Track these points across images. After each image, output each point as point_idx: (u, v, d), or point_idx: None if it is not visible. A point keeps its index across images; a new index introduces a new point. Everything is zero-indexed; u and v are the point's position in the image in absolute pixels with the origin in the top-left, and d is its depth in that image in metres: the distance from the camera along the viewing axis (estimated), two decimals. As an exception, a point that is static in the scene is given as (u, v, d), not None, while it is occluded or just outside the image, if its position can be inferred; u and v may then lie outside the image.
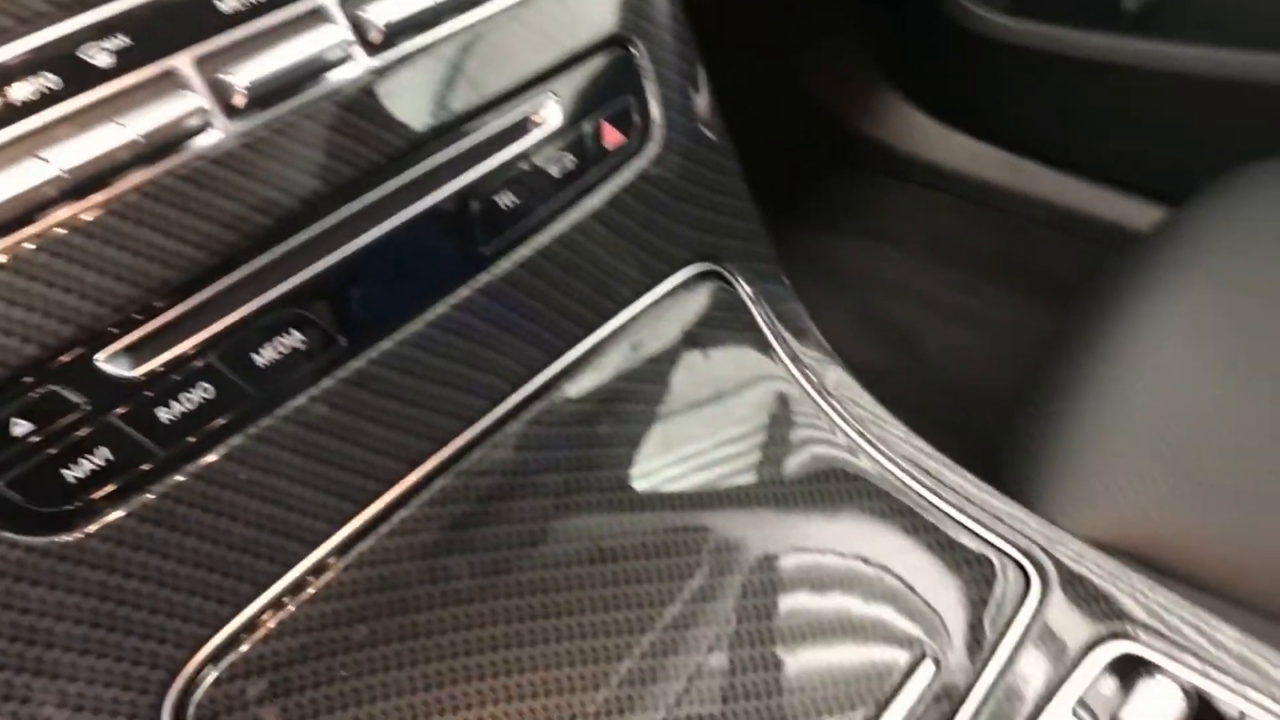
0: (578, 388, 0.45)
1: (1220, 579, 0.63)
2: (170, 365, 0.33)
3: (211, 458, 0.35)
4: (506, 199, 0.42)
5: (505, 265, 0.42)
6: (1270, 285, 0.81)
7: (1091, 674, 0.41)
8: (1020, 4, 1.25)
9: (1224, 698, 0.41)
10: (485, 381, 0.42)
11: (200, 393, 0.34)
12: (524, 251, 0.43)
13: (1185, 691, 0.41)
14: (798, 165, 1.41)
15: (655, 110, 0.47)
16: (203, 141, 0.34)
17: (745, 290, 0.52)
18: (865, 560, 0.45)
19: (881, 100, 1.40)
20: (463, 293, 0.41)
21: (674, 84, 0.48)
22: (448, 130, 0.40)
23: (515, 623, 0.40)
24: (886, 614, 0.43)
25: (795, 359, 0.51)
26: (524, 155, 0.43)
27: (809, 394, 0.50)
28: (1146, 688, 0.41)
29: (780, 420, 0.49)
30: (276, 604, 0.37)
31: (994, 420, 0.83)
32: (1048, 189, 1.31)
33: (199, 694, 0.35)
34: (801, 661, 0.41)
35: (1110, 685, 0.41)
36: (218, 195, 0.34)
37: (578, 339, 0.45)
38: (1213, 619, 0.44)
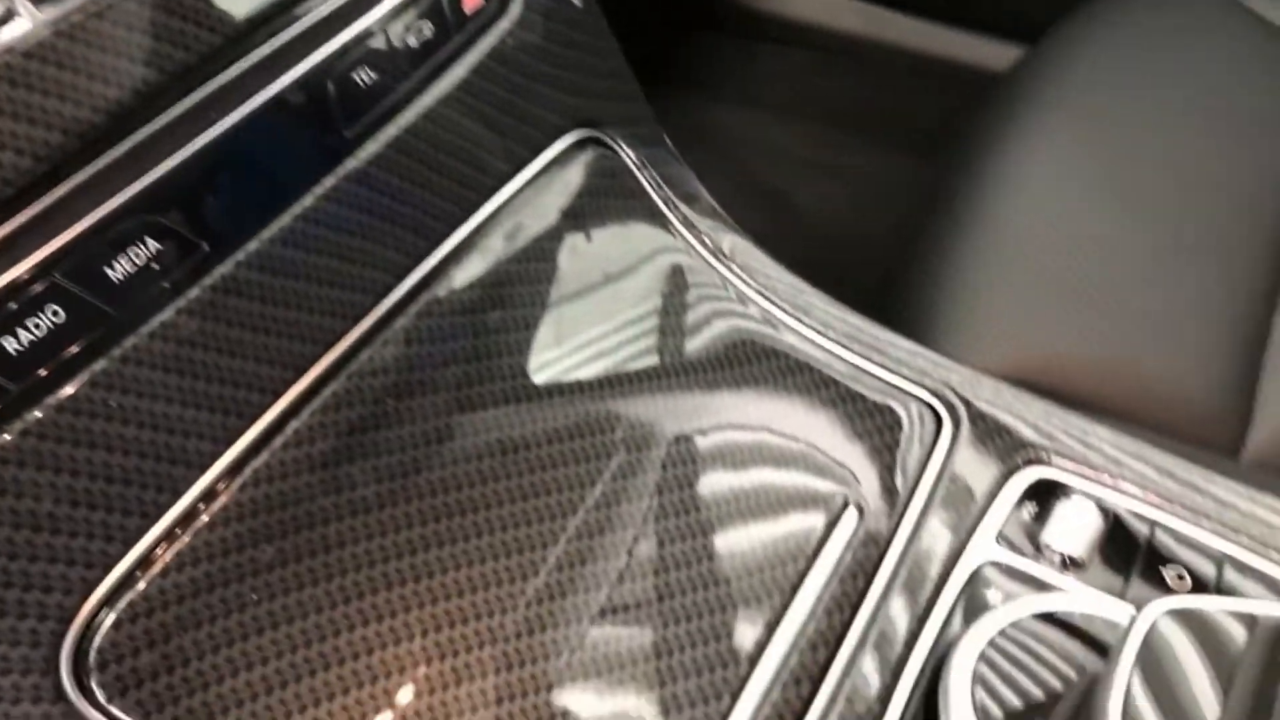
0: (465, 274, 0.43)
1: (1112, 398, 0.64)
2: (7, 292, 0.30)
3: (72, 388, 0.32)
4: (364, 76, 0.39)
5: (371, 148, 0.39)
6: (1129, 113, 0.83)
7: (1009, 503, 0.42)
8: None
9: (1138, 509, 0.42)
10: (365, 275, 0.39)
11: (49, 317, 0.31)
12: (390, 132, 0.40)
13: (1101, 509, 0.41)
14: (653, 29, 1.37)
15: (514, -32, 0.44)
16: (10, 34, 0.30)
17: (629, 155, 0.50)
18: (780, 419, 0.45)
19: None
20: (329, 182, 0.38)
21: (530, -62, 0.44)
22: (292, 3, 0.36)
23: (430, 524, 0.38)
24: (806, 469, 0.43)
25: (687, 223, 0.50)
26: (378, 26, 0.39)
27: (705, 259, 0.49)
28: (1063, 509, 0.41)
29: (678, 288, 0.48)
30: (170, 535, 0.34)
31: (875, 272, 0.83)
32: (904, 35, 1.30)
33: (98, 639, 0.32)
34: (729, 526, 0.40)
35: (1028, 512, 0.41)
36: (35, 92, 0.30)
37: (459, 221, 0.43)
38: (1121, 437, 0.45)
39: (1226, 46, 0.86)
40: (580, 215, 0.47)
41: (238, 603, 0.34)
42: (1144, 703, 0.31)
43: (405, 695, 0.35)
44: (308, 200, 0.37)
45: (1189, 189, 0.74)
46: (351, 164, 0.39)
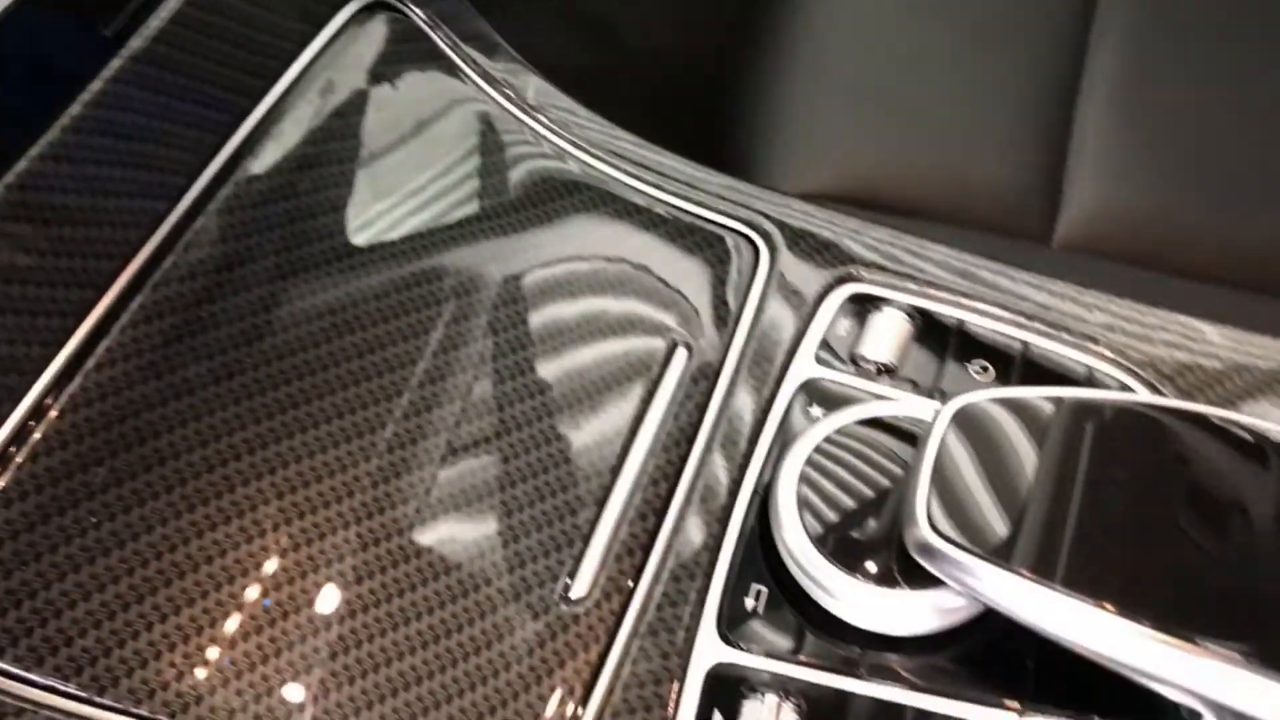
0: (263, 163, 0.42)
1: (929, 202, 0.67)
2: None
3: None
4: (115, -34, 0.37)
5: (136, 44, 0.37)
6: None
7: (827, 319, 0.44)
8: None
9: (942, 310, 0.44)
10: (155, 180, 0.38)
11: None
12: (153, 24, 0.38)
13: (909, 316, 0.44)
14: None
15: None
16: None
17: (420, 16, 0.48)
18: (604, 266, 0.45)
19: None
20: (96, 87, 0.36)
21: None
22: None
23: (264, 421, 0.38)
24: (635, 313, 0.44)
25: (488, 78, 0.49)
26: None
27: (509, 111, 0.48)
28: (875, 320, 0.44)
29: (485, 145, 0.47)
30: None
31: (706, 98, 0.83)
32: None
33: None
34: (565, 380, 0.42)
35: (845, 325, 0.44)
36: None
37: (247, 110, 0.41)
38: (926, 243, 0.47)
39: None
40: (378, 84, 0.46)
41: (77, 529, 0.34)
42: (953, 488, 0.34)
43: (268, 565, 0.35)
44: (76, 110, 0.36)
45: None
46: (117, 64, 0.37)
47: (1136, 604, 0.31)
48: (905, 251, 0.46)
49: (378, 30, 0.46)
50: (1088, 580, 0.32)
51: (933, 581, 0.34)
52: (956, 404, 0.36)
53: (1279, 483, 0.34)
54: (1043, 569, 0.32)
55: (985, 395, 0.36)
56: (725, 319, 0.44)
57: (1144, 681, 0.32)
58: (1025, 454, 0.35)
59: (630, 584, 0.38)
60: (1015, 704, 0.35)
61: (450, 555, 0.37)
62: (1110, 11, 0.74)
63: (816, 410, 0.41)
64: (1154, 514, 0.33)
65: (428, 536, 0.37)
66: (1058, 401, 0.36)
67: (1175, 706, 0.32)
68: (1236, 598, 0.32)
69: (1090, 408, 0.36)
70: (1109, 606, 0.31)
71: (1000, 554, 0.32)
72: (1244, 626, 0.31)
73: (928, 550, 0.33)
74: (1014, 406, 0.36)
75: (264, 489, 0.37)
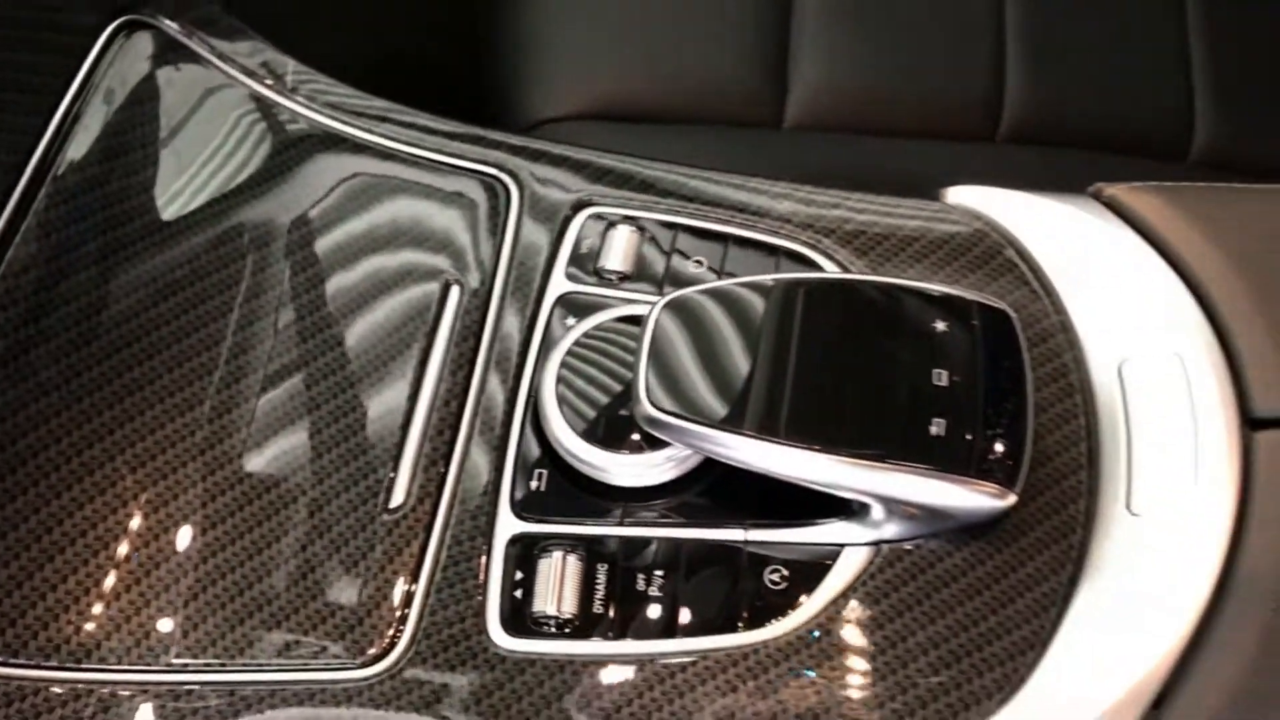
0: (66, 164, 0.48)
1: (674, 107, 0.76)
2: None
3: None
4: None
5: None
6: None
7: (571, 241, 0.53)
8: None
9: (663, 218, 0.53)
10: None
11: None
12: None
13: (637, 227, 0.53)
14: None
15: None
16: None
17: (170, 26, 0.54)
18: (381, 219, 0.53)
19: None
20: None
21: None
22: None
23: (115, 381, 0.45)
24: (408, 261, 0.52)
25: (245, 70, 0.55)
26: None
27: (268, 95, 0.55)
28: (612, 235, 0.53)
29: (252, 126, 0.54)
30: None
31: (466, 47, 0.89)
32: None
33: None
34: (361, 326, 0.49)
35: (587, 244, 0.52)
36: None
37: (28, 147, 0.47)
38: (649, 162, 0.56)
39: None
40: (149, 83, 0.52)
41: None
42: (668, 368, 0.44)
43: (134, 523, 0.43)
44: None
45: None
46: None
47: (805, 435, 0.42)
48: (633, 170, 0.55)
49: (139, 48, 0.52)
50: (770, 424, 0.42)
51: (664, 442, 0.44)
52: (663, 301, 0.45)
53: (901, 326, 0.44)
54: (737, 421, 0.42)
55: (687, 291, 0.46)
56: (487, 254, 0.53)
57: (820, 488, 0.43)
58: (720, 332, 0.45)
59: (436, 489, 0.47)
60: (740, 523, 0.45)
61: (287, 488, 0.46)
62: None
63: (570, 320, 0.51)
64: (817, 365, 0.44)
65: (267, 474, 0.46)
66: (746, 285, 0.46)
67: (850, 501, 0.44)
68: (872, 418, 0.43)
69: (763, 287, 0.46)
70: (789, 440, 0.42)
71: (704, 414, 0.43)
72: (881, 439, 0.42)
73: (650, 420, 0.43)
74: (711, 294, 0.46)
75: (117, 445, 0.44)
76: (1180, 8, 0.84)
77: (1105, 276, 0.49)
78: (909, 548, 0.44)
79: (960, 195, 0.54)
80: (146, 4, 0.53)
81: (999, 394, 0.43)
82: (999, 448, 0.42)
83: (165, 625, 0.42)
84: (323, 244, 0.51)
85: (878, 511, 0.44)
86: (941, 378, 0.43)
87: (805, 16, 0.79)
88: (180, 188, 0.50)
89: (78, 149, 0.48)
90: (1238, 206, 0.51)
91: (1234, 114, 0.82)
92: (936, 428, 0.42)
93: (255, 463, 0.46)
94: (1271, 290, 0.46)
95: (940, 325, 0.44)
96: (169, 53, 0.53)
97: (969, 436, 0.42)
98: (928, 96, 0.78)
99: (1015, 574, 0.44)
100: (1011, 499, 0.42)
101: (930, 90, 0.78)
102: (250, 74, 0.55)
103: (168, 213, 0.49)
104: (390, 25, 1.17)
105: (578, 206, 0.54)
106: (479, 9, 0.85)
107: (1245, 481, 0.41)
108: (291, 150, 0.53)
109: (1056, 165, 0.77)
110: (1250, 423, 0.43)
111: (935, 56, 0.79)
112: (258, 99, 0.54)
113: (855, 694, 0.42)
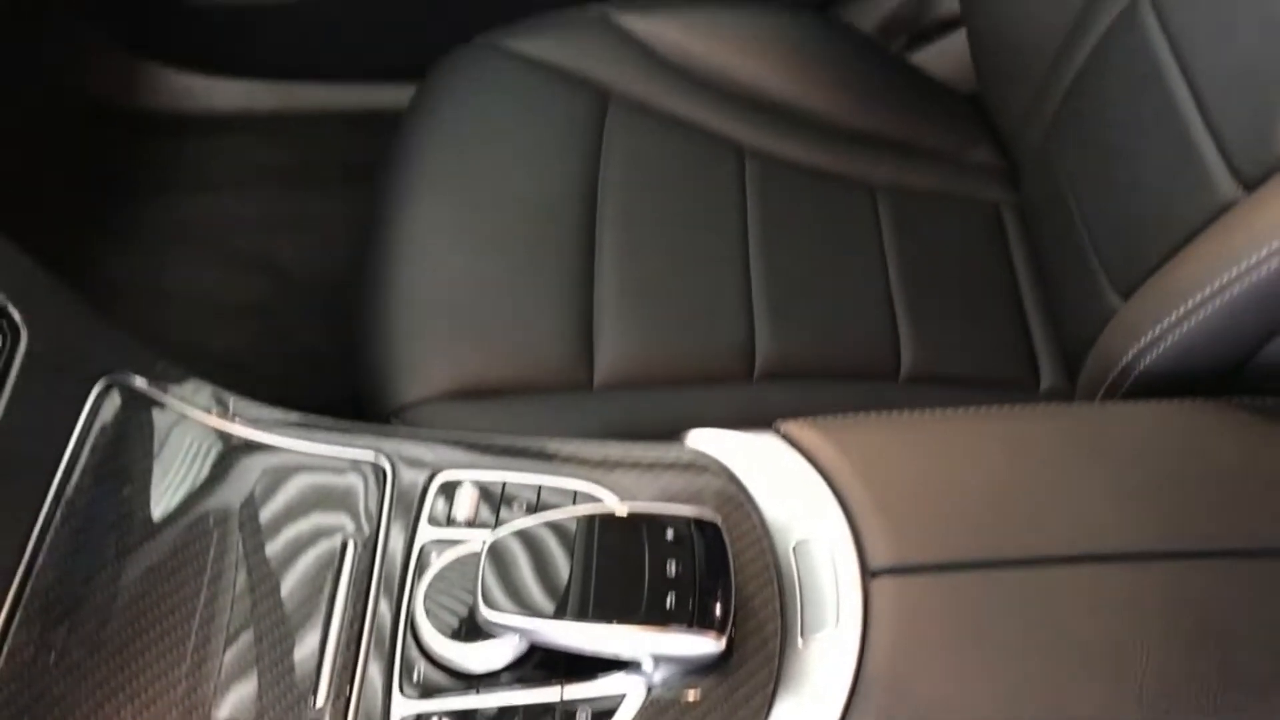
0: (76, 499, 0.69)
1: (514, 381, 1.00)
2: None
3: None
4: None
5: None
6: (492, 144, 1.16)
7: (431, 500, 0.76)
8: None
9: (494, 477, 0.77)
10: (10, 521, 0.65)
11: None
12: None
13: (477, 485, 0.76)
14: (90, 177, 1.54)
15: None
16: None
17: (139, 381, 0.77)
18: (289, 502, 0.75)
19: (144, 74, 1.54)
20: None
21: None
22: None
23: (129, 646, 0.65)
24: (318, 526, 0.74)
25: (194, 406, 0.78)
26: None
27: (209, 421, 0.77)
28: (458, 493, 0.76)
29: (198, 447, 0.76)
30: None
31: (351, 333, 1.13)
32: (321, 100, 1.57)
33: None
34: (289, 580, 0.71)
35: (441, 505, 0.75)
36: None
37: (33, 519, 0.68)
38: (484, 434, 0.80)
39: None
40: (129, 436, 0.74)
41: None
42: (499, 582, 0.66)
43: None
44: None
45: (524, 204, 1.11)
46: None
47: (585, 615, 0.65)
48: (471, 441, 0.79)
49: (118, 398, 0.75)
50: (563, 611, 0.65)
51: (501, 633, 0.67)
52: (490, 539, 0.68)
53: (646, 536, 0.68)
54: (543, 613, 0.65)
55: (503, 531, 0.69)
56: (374, 515, 0.75)
57: (601, 652, 0.65)
58: (531, 557, 0.68)
59: (347, 688, 0.68)
60: (557, 681, 0.67)
61: (242, 702, 0.66)
62: (604, 222, 1.10)
63: (434, 556, 0.73)
64: (590, 569, 0.67)
65: (229, 698, 0.66)
66: (545, 523, 0.70)
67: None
68: (630, 601, 0.66)
69: (557, 523, 0.69)
70: (576, 619, 0.64)
71: (523, 611, 0.65)
72: (633, 613, 0.65)
73: (486, 621, 0.65)
74: (520, 533, 0.69)
75: (128, 697, 0.64)
76: (883, 265, 1.13)
77: (783, 484, 0.74)
78: (671, 686, 0.67)
79: (692, 436, 0.79)
80: (120, 368, 0.76)
81: (712, 574, 0.67)
82: (714, 608, 0.66)
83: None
84: (259, 521, 0.73)
85: (646, 663, 0.66)
86: (671, 567, 0.67)
87: (604, 303, 1.05)
88: (157, 498, 0.72)
89: (81, 480, 0.70)
90: (866, 431, 0.77)
91: (929, 337, 1.10)
92: (669, 601, 0.65)
93: (221, 694, 0.66)
94: (881, 486, 0.71)
95: (670, 533, 0.68)
96: (139, 401, 0.76)
97: (690, 603, 0.65)
98: (698, 354, 1.03)
99: (739, 690, 0.67)
100: (724, 641, 0.65)
101: (700, 346, 1.04)
102: (200, 408, 0.78)
103: (152, 516, 0.71)
104: (294, 328, 1.42)
105: (433, 474, 0.77)
106: (353, 314, 1.10)
107: (866, 614, 0.66)
108: (231, 457, 0.76)
109: (798, 394, 1.03)
110: (869, 573, 0.68)
111: (701, 320, 1.05)
112: (205, 426, 0.77)
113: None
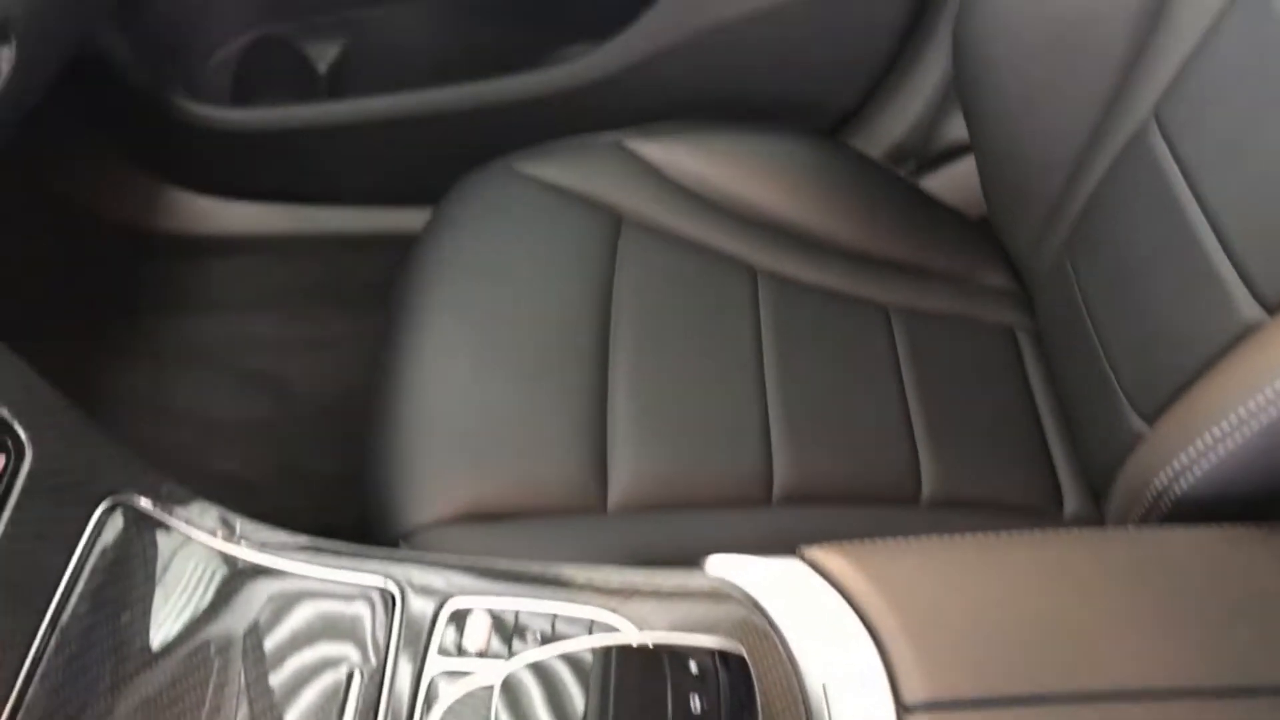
0: (76, 616, 0.66)
1: (525, 506, 0.98)
2: None
3: None
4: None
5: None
6: (506, 266, 1.16)
7: (441, 629, 0.73)
8: (238, 96, 1.49)
9: (505, 605, 0.74)
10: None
11: None
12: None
13: (489, 613, 0.73)
14: (102, 295, 1.54)
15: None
16: None
17: (143, 501, 0.75)
18: (295, 629, 0.72)
19: (158, 196, 1.56)
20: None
21: None
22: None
23: None
24: (325, 655, 0.71)
25: (201, 529, 0.76)
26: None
27: (215, 545, 0.75)
28: (469, 621, 0.73)
29: (204, 571, 0.74)
30: None
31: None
32: (334, 224, 1.59)
33: None
34: (289, 712, 0.68)
35: (451, 634, 0.72)
36: None
37: (43, 607, 0.66)
38: (499, 560, 0.77)
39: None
40: (131, 559, 0.72)
41: None
42: (514, 711, 0.63)
43: None
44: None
45: (538, 326, 1.10)
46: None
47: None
48: (483, 567, 0.76)
49: (121, 520, 0.73)
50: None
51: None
52: (504, 672, 0.65)
53: (669, 670, 0.65)
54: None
55: (517, 662, 0.66)
56: (382, 642, 0.72)
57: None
58: (544, 690, 0.65)
59: None
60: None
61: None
62: (617, 344, 1.09)
63: (443, 687, 0.70)
64: (606, 709, 0.64)
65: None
66: (560, 655, 0.67)
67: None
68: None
69: (573, 656, 0.66)
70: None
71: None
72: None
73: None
74: (533, 666, 0.66)
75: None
76: (900, 387, 1.12)
77: (809, 614, 0.71)
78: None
79: (712, 562, 0.76)
80: (125, 488, 0.74)
81: (737, 710, 0.64)
82: (738, 746, 0.62)
83: None
84: (263, 650, 0.70)
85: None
86: (695, 702, 0.63)
87: (617, 425, 1.04)
88: (158, 625, 0.69)
89: (78, 605, 0.68)
90: (895, 557, 0.74)
91: (951, 461, 1.08)
92: (694, 739, 0.62)
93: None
94: (913, 615, 0.68)
95: (693, 665, 0.65)
96: (144, 523, 0.74)
97: (715, 740, 0.62)
98: (715, 477, 1.01)
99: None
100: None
101: (717, 473, 1.02)
102: (206, 530, 0.76)
103: (151, 644, 0.68)
104: (302, 449, 1.41)
105: (443, 601, 0.74)
106: (364, 436, 1.08)
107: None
108: (236, 582, 0.73)
109: (819, 519, 1.00)
110: (904, 708, 0.64)
111: (717, 443, 1.04)
112: (209, 549, 0.75)
113: None
